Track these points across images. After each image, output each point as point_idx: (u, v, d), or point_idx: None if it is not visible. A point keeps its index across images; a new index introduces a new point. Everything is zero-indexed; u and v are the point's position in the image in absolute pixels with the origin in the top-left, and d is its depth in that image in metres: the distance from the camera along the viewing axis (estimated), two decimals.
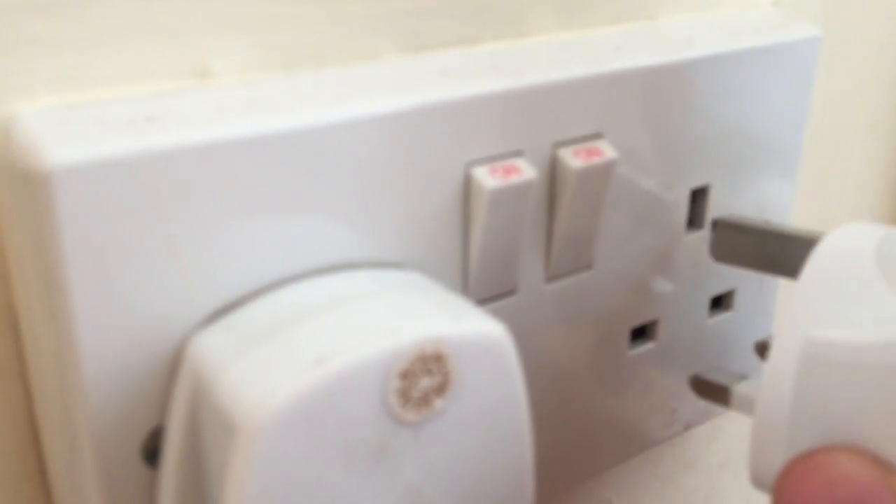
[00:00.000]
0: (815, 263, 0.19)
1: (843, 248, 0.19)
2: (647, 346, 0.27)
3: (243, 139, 0.17)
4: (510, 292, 0.23)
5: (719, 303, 0.29)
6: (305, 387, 0.16)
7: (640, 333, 0.27)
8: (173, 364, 0.17)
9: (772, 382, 0.18)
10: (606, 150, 0.22)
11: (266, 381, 0.16)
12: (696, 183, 0.26)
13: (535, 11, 0.23)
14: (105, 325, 0.17)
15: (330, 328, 0.17)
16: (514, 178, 0.21)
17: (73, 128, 0.16)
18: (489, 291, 0.22)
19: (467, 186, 0.21)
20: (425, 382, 0.17)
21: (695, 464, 0.35)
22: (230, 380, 0.16)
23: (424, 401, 0.17)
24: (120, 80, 0.17)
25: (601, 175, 0.22)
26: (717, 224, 0.26)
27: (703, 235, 0.27)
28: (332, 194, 0.19)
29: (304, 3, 0.19)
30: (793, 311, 0.18)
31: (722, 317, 0.29)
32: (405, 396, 0.17)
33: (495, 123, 0.21)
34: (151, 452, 0.18)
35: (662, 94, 0.24)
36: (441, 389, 0.17)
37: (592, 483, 0.32)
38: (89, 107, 0.17)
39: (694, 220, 0.27)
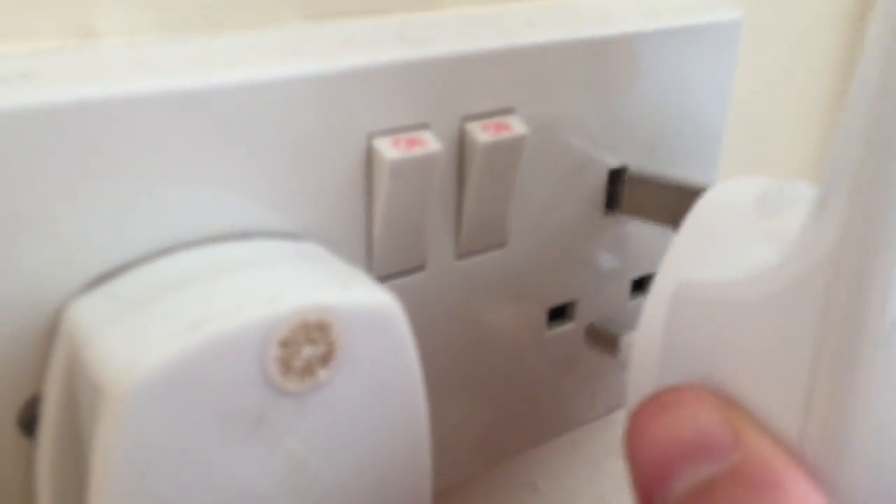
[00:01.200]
0: (696, 212, 0.19)
1: (724, 198, 0.19)
2: (565, 327, 0.27)
3: (125, 98, 0.17)
4: (418, 268, 0.23)
5: (642, 285, 0.29)
6: (176, 352, 0.15)
7: (560, 313, 0.27)
8: (50, 331, 0.17)
9: (645, 325, 0.18)
10: (516, 126, 0.22)
11: (136, 346, 0.15)
12: (614, 163, 0.26)
13: None
14: None
15: (209, 295, 0.16)
16: (417, 151, 0.20)
17: None
18: (395, 266, 0.22)
19: (369, 158, 0.20)
20: (308, 352, 0.17)
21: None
22: (101, 345, 0.16)
23: (308, 370, 0.17)
24: None
25: (510, 150, 0.22)
26: (626, 178, 0.26)
27: (623, 217, 0.27)
28: (225, 161, 0.18)
29: None
30: (669, 258, 0.18)
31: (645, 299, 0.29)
32: (286, 365, 0.16)
33: (400, 94, 0.20)
34: (28, 421, 0.17)
35: (577, 71, 0.24)
36: (325, 359, 0.17)
37: (518, 466, 0.32)
38: None
39: (613, 201, 0.27)
